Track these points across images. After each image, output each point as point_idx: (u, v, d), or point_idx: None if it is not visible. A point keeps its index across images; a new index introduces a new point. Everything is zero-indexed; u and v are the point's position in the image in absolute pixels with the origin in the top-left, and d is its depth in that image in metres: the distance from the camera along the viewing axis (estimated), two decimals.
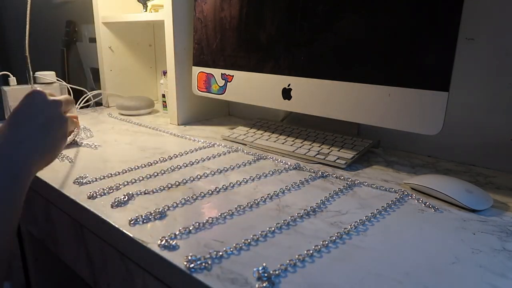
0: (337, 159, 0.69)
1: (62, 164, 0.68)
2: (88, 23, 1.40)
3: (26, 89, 1.03)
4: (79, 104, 1.18)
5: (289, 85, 0.76)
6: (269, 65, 0.79)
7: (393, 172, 0.67)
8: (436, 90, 0.58)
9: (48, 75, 1.08)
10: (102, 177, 0.62)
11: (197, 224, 0.48)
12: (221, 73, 0.88)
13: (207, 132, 0.93)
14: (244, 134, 0.84)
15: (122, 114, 1.11)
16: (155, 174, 0.64)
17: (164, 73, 1.07)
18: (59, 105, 0.47)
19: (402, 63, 0.61)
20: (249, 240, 0.44)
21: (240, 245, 0.43)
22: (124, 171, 0.65)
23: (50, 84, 1.08)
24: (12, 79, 1.04)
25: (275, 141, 0.79)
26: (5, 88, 1.02)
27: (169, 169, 0.67)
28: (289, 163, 0.70)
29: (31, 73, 1.06)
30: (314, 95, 0.73)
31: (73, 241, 0.63)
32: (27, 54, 1.05)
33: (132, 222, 0.48)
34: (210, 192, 0.57)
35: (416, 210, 0.53)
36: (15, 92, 1.02)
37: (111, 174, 0.64)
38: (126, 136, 0.88)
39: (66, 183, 0.61)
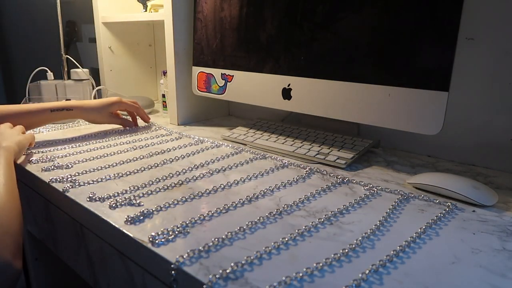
0: (337, 159, 0.69)
1: (63, 165, 0.68)
2: (88, 23, 1.40)
3: (60, 84, 1.12)
4: None
5: (289, 85, 0.76)
6: (269, 65, 0.79)
7: (393, 172, 0.67)
8: (436, 90, 0.58)
9: (81, 73, 1.14)
10: (102, 178, 0.62)
11: (197, 222, 0.48)
12: (221, 73, 0.88)
13: (207, 132, 0.93)
14: (244, 134, 0.84)
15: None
16: (156, 174, 0.64)
17: (164, 73, 1.07)
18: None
19: (402, 63, 0.61)
20: (246, 237, 0.44)
21: (239, 244, 0.43)
22: (122, 171, 0.65)
23: (82, 80, 1.14)
24: (50, 74, 1.13)
25: (275, 141, 0.79)
26: (43, 82, 1.11)
27: (169, 169, 0.67)
28: (289, 163, 0.70)
29: (65, 69, 1.17)
30: (314, 95, 0.73)
31: (73, 241, 0.63)
32: (63, 52, 1.16)
33: (132, 221, 0.48)
34: (209, 191, 0.57)
35: (416, 210, 0.53)
36: (50, 86, 1.11)
37: (110, 175, 0.64)
38: (125, 135, 0.88)
39: (66, 184, 0.61)
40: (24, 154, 0.73)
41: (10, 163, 0.61)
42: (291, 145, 0.76)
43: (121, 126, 0.94)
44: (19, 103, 0.87)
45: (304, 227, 0.47)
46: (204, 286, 0.37)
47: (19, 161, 0.70)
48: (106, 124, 0.92)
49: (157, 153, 0.75)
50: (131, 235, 0.46)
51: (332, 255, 0.41)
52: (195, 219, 0.49)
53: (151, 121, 1.01)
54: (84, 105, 0.85)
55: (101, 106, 0.87)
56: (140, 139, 0.85)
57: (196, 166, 0.68)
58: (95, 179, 0.61)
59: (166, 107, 1.12)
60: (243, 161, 0.71)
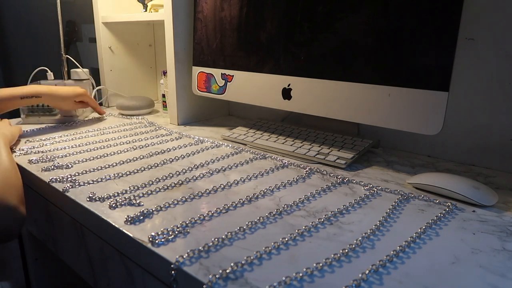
0: (337, 159, 0.69)
1: (63, 164, 0.68)
2: (88, 23, 1.40)
3: (60, 84, 1.10)
4: None
5: (289, 85, 0.76)
6: (269, 65, 0.79)
7: (393, 172, 0.67)
8: (436, 90, 0.58)
9: (81, 73, 1.12)
10: (102, 178, 0.62)
11: (197, 223, 0.48)
12: (221, 73, 0.88)
13: (207, 132, 0.93)
14: (244, 134, 0.84)
15: (122, 114, 1.11)
16: (156, 174, 0.64)
17: (164, 73, 1.07)
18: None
19: (402, 63, 0.61)
20: (246, 237, 0.44)
21: (239, 244, 0.43)
22: (122, 171, 0.65)
23: (82, 80, 1.11)
24: (50, 74, 1.12)
25: (275, 141, 0.79)
26: (43, 82, 1.11)
27: (169, 169, 0.67)
28: (289, 163, 0.70)
29: (65, 69, 1.16)
30: (314, 95, 0.73)
31: (73, 241, 0.63)
32: (63, 52, 1.16)
33: (131, 221, 0.48)
34: (209, 191, 0.57)
35: (416, 210, 0.53)
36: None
37: (110, 175, 0.64)
38: (125, 135, 0.88)
39: (66, 184, 0.61)
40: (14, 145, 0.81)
41: (7, 145, 0.70)
42: (291, 145, 0.76)
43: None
44: None
45: (304, 227, 0.47)
46: (204, 286, 0.37)
47: (19, 162, 0.70)
48: (68, 110, 1.01)
49: (157, 153, 0.75)
50: (131, 235, 0.46)
51: (332, 255, 0.41)
52: (195, 219, 0.49)
53: (151, 121, 1.01)
54: (53, 93, 0.93)
55: (67, 96, 0.95)
56: (140, 139, 0.85)
57: (196, 166, 0.68)
58: (95, 179, 0.61)
59: (166, 107, 1.12)
60: (243, 161, 0.71)
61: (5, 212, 0.54)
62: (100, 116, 1.08)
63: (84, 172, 0.65)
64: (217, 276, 0.37)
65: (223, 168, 0.67)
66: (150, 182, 0.61)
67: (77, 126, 0.97)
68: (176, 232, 0.46)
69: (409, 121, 0.61)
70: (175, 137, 0.87)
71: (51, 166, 0.67)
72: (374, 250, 0.43)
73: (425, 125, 0.60)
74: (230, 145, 0.81)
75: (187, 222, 0.48)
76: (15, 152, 0.76)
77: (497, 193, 0.56)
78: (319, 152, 0.72)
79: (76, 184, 0.60)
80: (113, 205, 0.53)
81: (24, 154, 0.74)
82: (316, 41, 0.71)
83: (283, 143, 0.77)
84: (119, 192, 0.57)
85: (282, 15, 0.75)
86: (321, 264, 0.39)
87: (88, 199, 0.55)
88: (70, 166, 0.68)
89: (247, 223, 0.48)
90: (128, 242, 0.47)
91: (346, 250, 0.42)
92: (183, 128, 0.96)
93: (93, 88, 1.16)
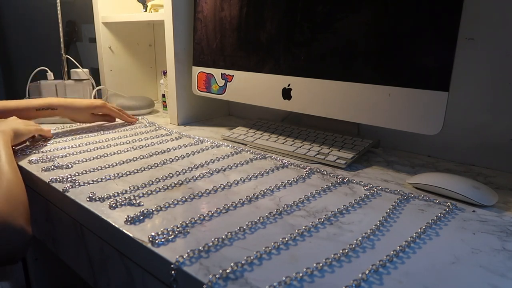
0: (337, 159, 0.69)
1: (63, 164, 0.68)
2: (88, 23, 1.40)
3: (60, 84, 1.11)
4: None
5: (289, 85, 0.76)
6: (269, 65, 0.79)
7: (393, 172, 0.67)
8: (436, 90, 0.58)
9: (81, 73, 1.12)
10: (102, 178, 0.62)
11: (197, 223, 0.48)
12: (221, 73, 0.88)
13: (207, 132, 0.93)
14: (244, 134, 0.84)
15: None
16: (156, 174, 0.64)
17: (164, 73, 1.07)
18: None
19: (402, 63, 0.61)
20: (247, 237, 0.44)
21: (239, 244, 0.43)
22: (122, 171, 0.65)
23: (82, 80, 1.11)
24: (50, 74, 1.12)
25: (275, 141, 0.79)
26: (43, 82, 1.11)
27: (169, 169, 0.67)
28: (289, 163, 0.70)
29: (65, 69, 1.16)
30: (314, 95, 0.73)
31: (73, 241, 0.63)
32: (63, 52, 1.16)
33: (131, 221, 0.48)
34: (209, 191, 0.57)
35: (416, 210, 0.53)
36: (50, 86, 1.10)
37: (110, 175, 0.64)
38: (125, 135, 0.88)
39: (66, 184, 0.61)
40: (29, 143, 0.81)
41: (8, 144, 0.66)
42: (291, 145, 0.76)
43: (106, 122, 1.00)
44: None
45: (304, 227, 0.47)
46: (204, 286, 0.37)
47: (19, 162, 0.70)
48: (87, 123, 0.98)
49: (157, 153, 0.75)
50: (131, 235, 0.46)
51: (332, 255, 0.41)
52: (195, 219, 0.49)
53: (151, 121, 1.01)
54: (68, 105, 0.90)
55: (84, 108, 0.92)
56: (140, 139, 0.85)
57: (196, 166, 0.68)
58: (95, 179, 0.61)
59: (166, 107, 1.12)
60: (243, 161, 0.71)
61: (12, 234, 0.50)
62: (131, 124, 1.00)
63: (84, 172, 0.65)
64: (217, 276, 0.37)
65: (223, 168, 0.67)
66: (150, 182, 0.61)
67: (77, 126, 0.97)
68: (176, 232, 0.46)
69: (409, 121, 0.61)
70: (175, 137, 0.87)
71: (51, 166, 0.67)
72: (374, 250, 0.43)
73: (425, 125, 0.60)
74: (230, 145, 0.81)
75: (187, 222, 0.48)
76: (17, 153, 0.75)
77: (497, 193, 0.56)
78: (319, 152, 0.72)
79: (76, 184, 0.60)
80: (113, 205, 0.53)
81: (24, 154, 0.74)
82: (316, 41, 0.71)
83: (283, 143, 0.77)
84: (119, 192, 0.57)
85: (282, 15, 0.75)
86: (321, 264, 0.39)
87: (88, 199, 0.55)
88: (70, 166, 0.68)
89: (247, 223, 0.48)
90: (128, 242, 0.47)
91: (346, 250, 0.42)
92: (183, 128, 0.96)
93: (93, 88, 1.16)
